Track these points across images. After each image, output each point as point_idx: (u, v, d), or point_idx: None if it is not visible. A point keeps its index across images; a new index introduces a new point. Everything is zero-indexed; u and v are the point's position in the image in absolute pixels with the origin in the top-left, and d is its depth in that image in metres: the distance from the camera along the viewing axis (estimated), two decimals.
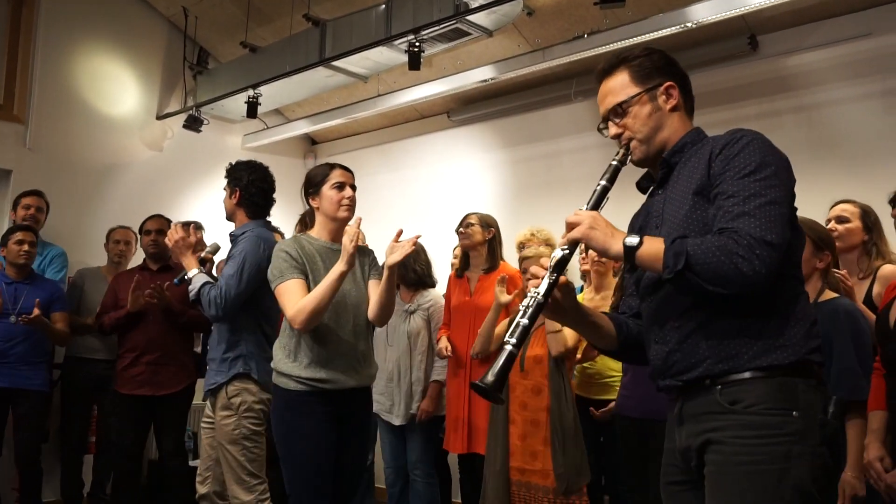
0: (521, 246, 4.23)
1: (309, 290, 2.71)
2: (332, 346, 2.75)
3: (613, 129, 1.76)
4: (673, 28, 3.94)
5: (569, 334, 3.26)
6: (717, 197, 1.55)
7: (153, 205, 5.07)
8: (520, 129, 5.58)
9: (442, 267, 4.62)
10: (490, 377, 1.56)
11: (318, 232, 2.90)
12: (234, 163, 3.40)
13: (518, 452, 3.27)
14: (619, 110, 1.75)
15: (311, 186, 2.89)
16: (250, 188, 3.30)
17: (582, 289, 4.07)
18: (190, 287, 3.15)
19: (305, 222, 3.05)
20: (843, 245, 2.91)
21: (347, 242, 2.62)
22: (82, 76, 5.71)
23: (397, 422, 3.92)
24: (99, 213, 5.33)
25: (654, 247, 1.53)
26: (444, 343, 3.91)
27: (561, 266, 1.62)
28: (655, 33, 4.01)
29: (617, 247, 1.56)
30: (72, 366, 4.57)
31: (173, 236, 3.22)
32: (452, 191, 5.89)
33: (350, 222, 2.76)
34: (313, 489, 2.71)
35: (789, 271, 1.55)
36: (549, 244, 4.02)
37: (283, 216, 6.65)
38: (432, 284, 4.19)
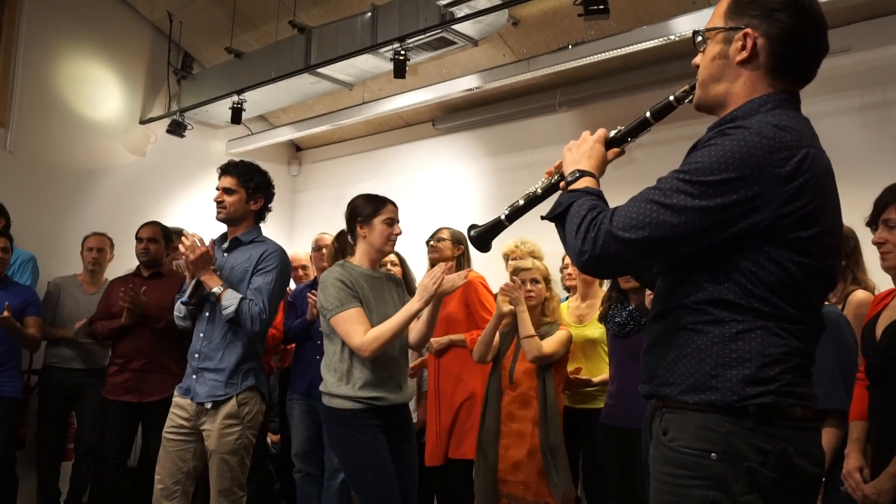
0: (507, 257, 4.25)
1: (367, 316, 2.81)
2: (382, 367, 2.83)
3: (696, 58, 1.55)
4: (656, 40, 3.98)
5: (546, 343, 3.26)
6: None
7: (135, 210, 5.03)
8: (504, 139, 5.61)
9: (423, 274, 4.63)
10: (476, 229, 1.85)
11: (360, 259, 2.97)
12: (248, 164, 3.26)
13: (501, 462, 3.28)
14: (699, 38, 1.52)
15: (362, 216, 2.95)
16: (271, 199, 3.30)
17: (566, 299, 4.08)
18: (224, 304, 3.02)
19: (341, 244, 3.09)
20: None
21: (429, 283, 2.75)
22: (65, 79, 5.66)
23: None
24: (80, 218, 5.28)
25: (576, 188, 1.52)
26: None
27: (562, 176, 1.64)
28: (639, 45, 4.06)
29: (567, 174, 1.57)
30: (49, 373, 4.52)
31: (197, 251, 3.02)
32: (436, 199, 5.90)
33: (438, 267, 2.82)
34: (392, 494, 2.74)
35: (746, 307, 1.36)
36: (534, 255, 4.03)
37: (268, 222, 6.64)
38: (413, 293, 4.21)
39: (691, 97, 1.55)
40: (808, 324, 1.40)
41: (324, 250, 4.50)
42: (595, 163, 1.58)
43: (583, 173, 1.55)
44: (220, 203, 3.18)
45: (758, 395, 1.33)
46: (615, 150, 1.64)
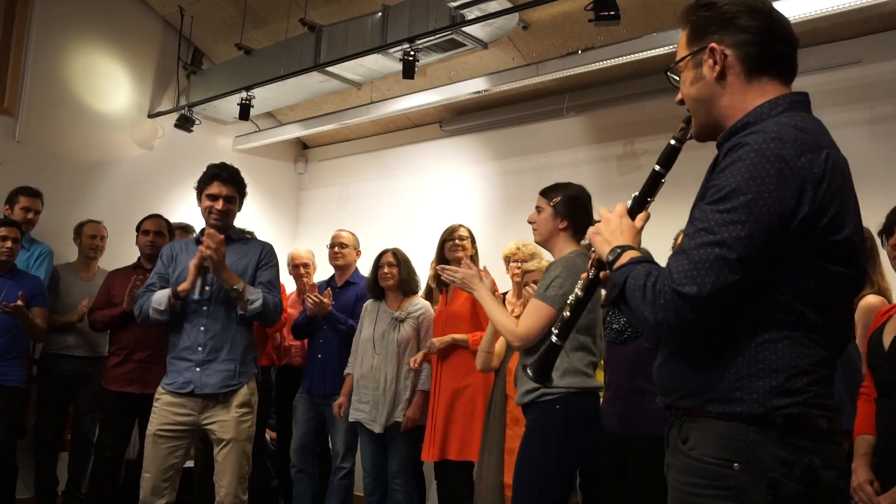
0: (508, 259, 4.24)
1: None
2: None
3: (678, 95, 1.53)
4: (666, 47, 3.97)
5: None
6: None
7: (141, 203, 5.04)
8: (511, 142, 5.60)
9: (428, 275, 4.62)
10: (532, 369, 1.78)
11: None
12: (236, 169, 3.35)
13: (507, 467, 3.27)
14: (674, 73, 1.52)
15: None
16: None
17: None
18: (251, 299, 3.12)
19: None
20: None
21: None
22: (75, 71, 5.68)
23: (378, 430, 3.91)
24: (86, 210, 5.29)
25: (622, 264, 1.44)
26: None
27: (600, 266, 1.56)
28: (649, 52, 4.05)
29: (607, 256, 1.48)
30: (49, 362, 4.52)
31: (220, 250, 3.04)
32: (442, 200, 5.89)
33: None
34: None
35: (771, 316, 1.32)
36: (537, 257, 4.02)
37: (273, 219, 6.66)
38: (415, 291, 4.22)
39: (690, 132, 1.53)
40: (834, 331, 1.37)
41: (336, 248, 4.51)
42: (629, 235, 1.51)
43: (623, 248, 1.46)
44: (222, 212, 3.22)
45: (785, 407, 1.30)
46: (642, 214, 1.57)
